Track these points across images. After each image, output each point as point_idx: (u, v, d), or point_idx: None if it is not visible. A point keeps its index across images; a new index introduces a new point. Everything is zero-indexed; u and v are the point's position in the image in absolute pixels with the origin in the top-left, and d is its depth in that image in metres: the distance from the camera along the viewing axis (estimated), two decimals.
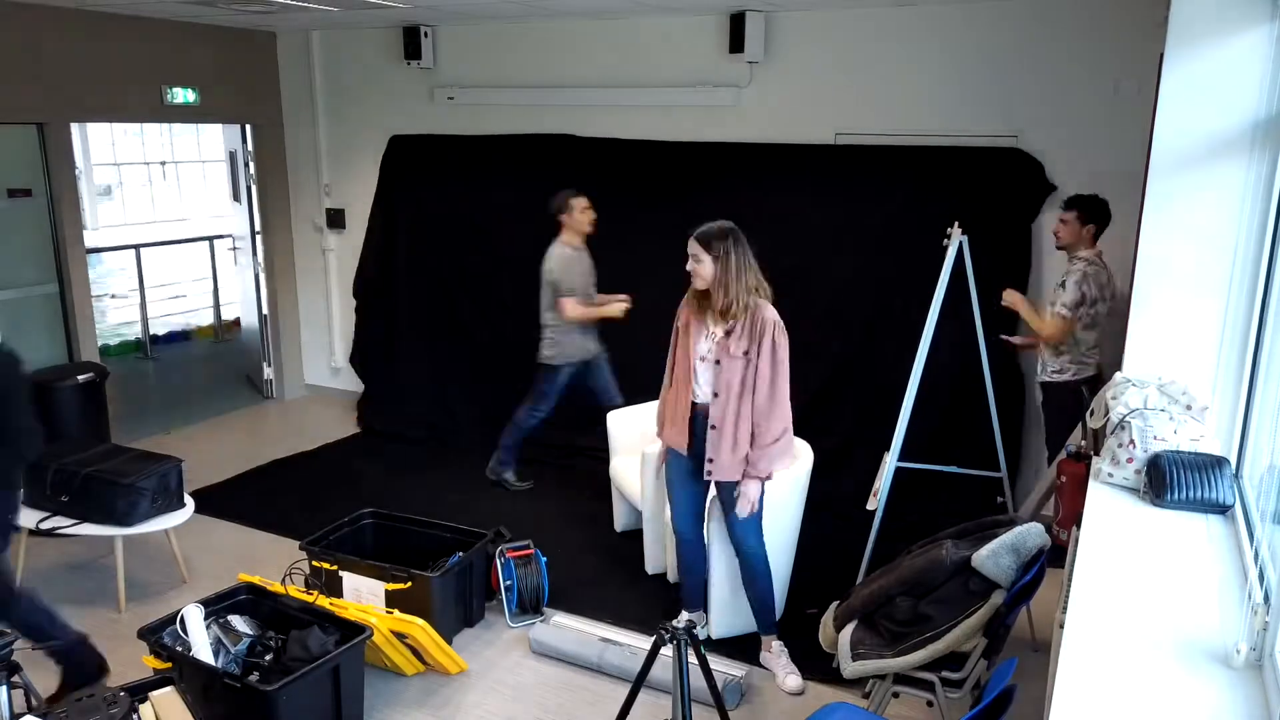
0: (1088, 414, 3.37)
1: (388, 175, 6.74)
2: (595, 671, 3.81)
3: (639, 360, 6.02)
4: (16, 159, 5.76)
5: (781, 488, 3.87)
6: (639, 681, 2.94)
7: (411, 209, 6.69)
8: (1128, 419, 2.93)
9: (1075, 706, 1.92)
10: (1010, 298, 4.60)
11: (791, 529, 4.10)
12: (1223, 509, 2.72)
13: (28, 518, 4.09)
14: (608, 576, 4.60)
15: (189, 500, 4.47)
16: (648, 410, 4.84)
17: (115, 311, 10.22)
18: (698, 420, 3.59)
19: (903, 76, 5.13)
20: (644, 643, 3.96)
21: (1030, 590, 2.96)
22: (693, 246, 3.48)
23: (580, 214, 5.25)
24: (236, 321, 7.19)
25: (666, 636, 2.89)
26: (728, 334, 3.47)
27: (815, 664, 3.77)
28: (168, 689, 3.00)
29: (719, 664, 3.77)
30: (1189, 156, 3.02)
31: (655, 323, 5.93)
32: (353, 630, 3.42)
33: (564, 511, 5.30)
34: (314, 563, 4.05)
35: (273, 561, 4.59)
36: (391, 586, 3.88)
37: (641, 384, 6.03)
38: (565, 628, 4.06)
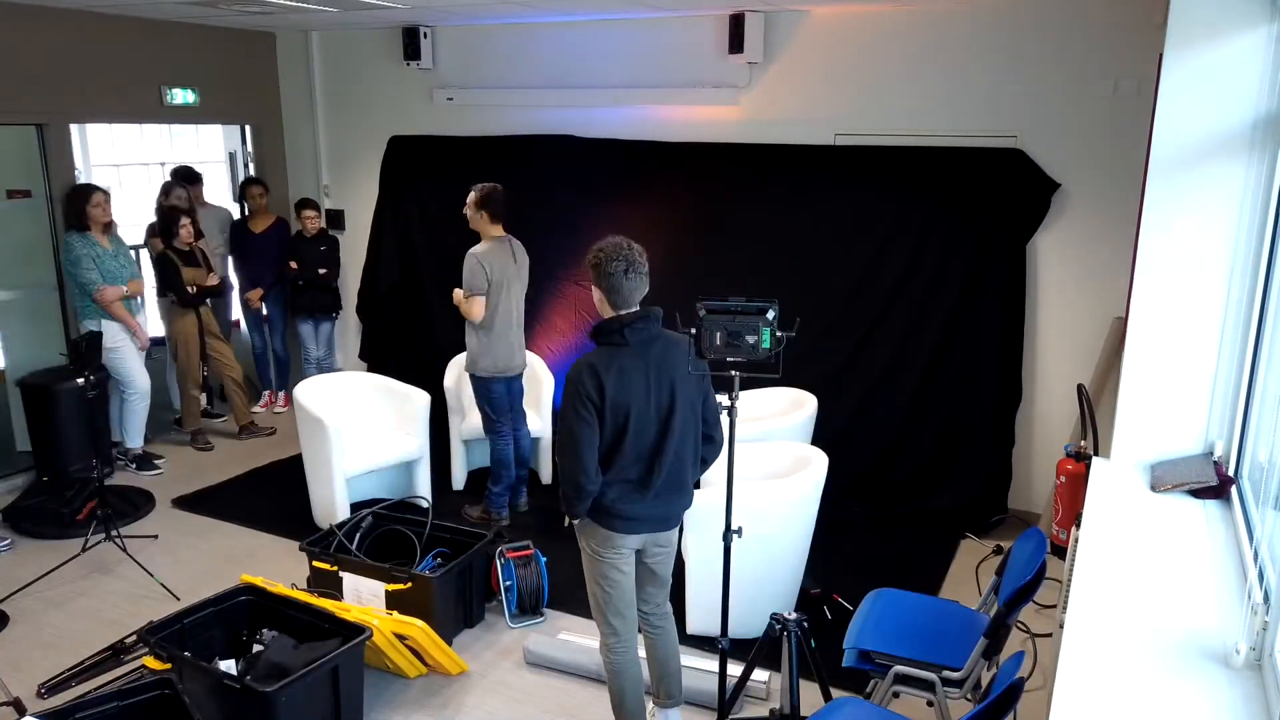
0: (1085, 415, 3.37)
1: (388, 176, 6.74)
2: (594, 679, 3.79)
3: None
4: (16, 159, 5.75)
5: (793, 489, 3.99)
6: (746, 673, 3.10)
7: (411, 210, 6.68)
8: None
9: (1075, 706, 1.92)
10: None
11: (805, 523, 4.15)
12: None
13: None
14: None
15: None
16: None
17: None
18: None
19: (902, 76, 5.12)
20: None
21: (1030, 590, 2.96)
22: None
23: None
24: (237, 322, 7.19)
25: (778, 628, 2.91)
26: None
27: (819, 662, 3.75)
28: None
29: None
30: (1189, 156, 3.02)
31: None
32: (352, 631, 3.41)
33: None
34: (314, 563, 4.05)
35: (273, 561, 4.59)
36: (392, 587, 3.88)
37: None
38: (559, 641, 3.99)
